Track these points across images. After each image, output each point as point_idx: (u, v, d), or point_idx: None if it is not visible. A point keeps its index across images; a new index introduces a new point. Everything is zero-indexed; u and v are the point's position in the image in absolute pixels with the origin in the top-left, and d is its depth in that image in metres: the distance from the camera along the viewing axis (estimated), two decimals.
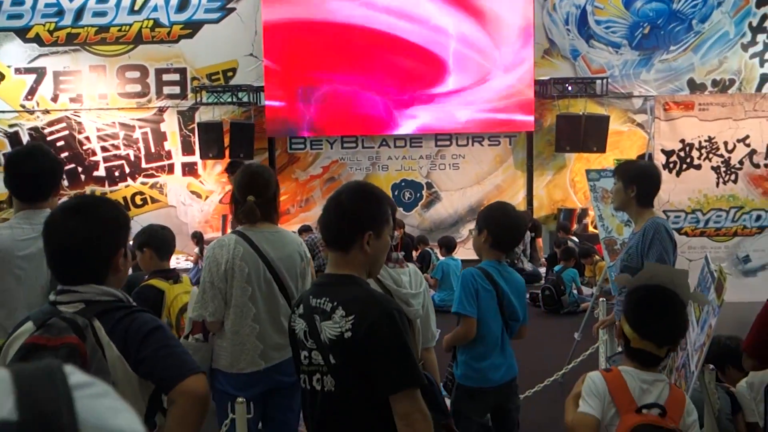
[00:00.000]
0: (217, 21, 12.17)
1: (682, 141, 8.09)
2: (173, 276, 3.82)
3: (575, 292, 8.49)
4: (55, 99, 12.36)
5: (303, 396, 2.18)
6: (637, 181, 3.74)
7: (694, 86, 11.53)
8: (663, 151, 7.91)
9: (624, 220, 5.73)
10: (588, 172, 6.16)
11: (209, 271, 2.93)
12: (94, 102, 12.32)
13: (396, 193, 12.14)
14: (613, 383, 2.29)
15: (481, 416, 3.29)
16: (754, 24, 11.45)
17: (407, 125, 11.73)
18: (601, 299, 4.97)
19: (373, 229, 2.08)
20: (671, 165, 8.41)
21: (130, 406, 0.69)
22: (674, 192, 8.19)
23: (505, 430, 3.42)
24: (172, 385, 1.80)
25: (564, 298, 8.33)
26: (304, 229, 10.03)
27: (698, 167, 7.54)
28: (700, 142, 7.49)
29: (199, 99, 11.96)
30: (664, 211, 8.35)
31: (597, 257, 9.02)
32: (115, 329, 1.83)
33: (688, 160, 8.18)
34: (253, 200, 2.95)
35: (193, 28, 12.19)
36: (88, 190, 12.12)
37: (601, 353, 4.97)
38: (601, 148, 11.08)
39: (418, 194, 12.16)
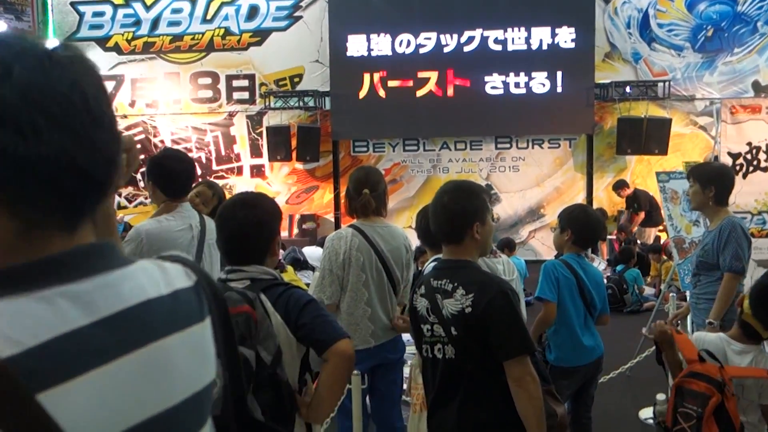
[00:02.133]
0: (284, 29, 12.66)
1: (749, 144, 8.11)
2: (279, 266, 4.21)
3: (637, 291, 8.64)
4: (132, 104, 13.05)
5: (424, 364, 2.54)
6: (715, 181, 3.97)
7: (759, 89, 11.48)
8: (729, 153, 7.98)
9: (693, 219, 5.90)
10: (658, 174, 6.35)
11: (329, 260, 3.32)
12: (168, 107, 12.97)
13: None
14: (685, 345, 2.68)
15: (572, 390, 3.62)
16: None
17: (468, 126, 12.01)
18: (671, 294, 5.17)
19: (478, 220, 2.45)
20: (737, 167, 8.44)
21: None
22: (740, 194, 8.22)
23: (584, 403, 3.76)
24: (326, 347, 2.13)
25: (627, 297, 8.48)
26: None
27: (765, 169, 7.59)
28: (767, 145, 7.52)
29: (267, 104, 12.47)
30: None
31: (664, 257, 9.14)
32: (278, 301, 2.19)
33: (755, 163, 8.20)
34: (369, 193, 3.32)
35: (261, 35, 12.72)
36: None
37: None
38: (663, 151, 11.16)
39: None
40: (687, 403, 2.44)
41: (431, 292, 2.44)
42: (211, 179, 10.01)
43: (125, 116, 13.02)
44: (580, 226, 3.73)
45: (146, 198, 13.03)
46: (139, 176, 12.91)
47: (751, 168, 8.09)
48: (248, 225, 2.26)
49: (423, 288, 2.50)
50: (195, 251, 3.35)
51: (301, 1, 12.59)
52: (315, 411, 2.19)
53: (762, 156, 7.69)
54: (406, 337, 3.98)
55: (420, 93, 11.94)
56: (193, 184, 3.85)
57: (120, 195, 13.09)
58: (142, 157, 12.82)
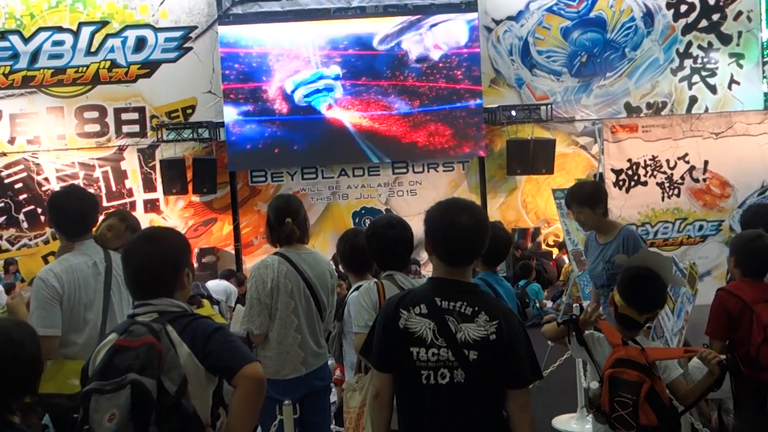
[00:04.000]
0: (174, 60, 12.44)
1: (629, 160, 8.81)
2: (195, 302, 4.13)
3: (538, 305, 9.05)
4: (12, 141, 12.36)
5: (414, 391, 2.34)
6: (599, 197, 4.30)
7: (631, 109, 12.42)
8: (612, 170, 8.61)
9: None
10: (554, 191, 6.74)
11: (256, 289, 3.31)
12: (52, 143, 12.38)
13: (357, 220, 12.56)
14: (609, 330, 2.90)
15: None
16: (681, 50, 12.46)
17: (365, 154, 12.22)
18: (575, 305, 5.47)
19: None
20: (621, 183, 9.10)
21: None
22: (625, 207, 8.88)
23: None
24: (235, 372, 2.11)
25: (528, 311, 8.87)
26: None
27: (645, 184, 8.27)
28: (645, 161, 8.19)
29: (159, 136, 12.15)
30: None
31: (565, 258, 9.59)
32: (184, 330, 2.17)
33: (636, 178, 8.89)
34: (291, 222, 3.35)
35: (150, 67, 12.43)
36: (48, 231, 12.09)
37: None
38: (549, 170, 11.80)
39: None
40: (622, 392, 2.62)
41: (438, 313, 2.32)
42: (124, 211, 9.67)
43: (4, 154, 12.33)
44: (491, 244, 3.85)
45: (30, 240, 12.34)
46: (22, 216, 12.27)
47: (632, 183, 8.76)
48: (153, 259, 2.25)
49: (423, 307, 2.35)
50: (102, 287, 3.24)
51: (190, 33, 12.42)
52: None
53: (641, 171, 8.37)
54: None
55: (316, 121, 12.03)
56: (100, 219, 3.71)
57: (1, 238, 12.33)
58: (24, 196, 12.20)
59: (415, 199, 12.57)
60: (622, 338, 2.81)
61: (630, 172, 9.00)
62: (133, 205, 12.47)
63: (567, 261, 9.57)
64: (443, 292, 2.37)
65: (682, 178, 8.27)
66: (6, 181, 12.31)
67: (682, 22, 12.44)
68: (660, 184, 8.24)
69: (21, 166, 12.35)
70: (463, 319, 2.31)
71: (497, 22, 12.53)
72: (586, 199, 4.25)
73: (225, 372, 2.15)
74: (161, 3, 12.35)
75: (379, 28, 12.10)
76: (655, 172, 8.11)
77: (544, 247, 12.42)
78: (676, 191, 8.30)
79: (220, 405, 2.25)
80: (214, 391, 2.22)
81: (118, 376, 1.97)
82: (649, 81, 12.47)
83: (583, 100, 12.56)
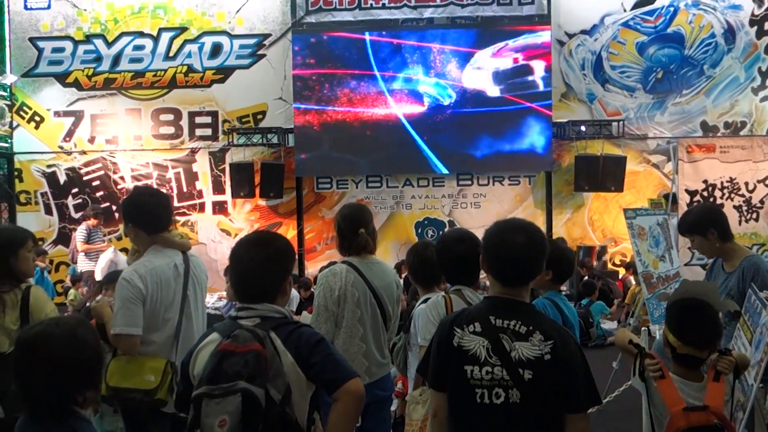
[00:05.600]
0: (248, 66, 12.74)
1: (705, 181, 8.51)
2: None
3: (603, 326, 8.82)
4: (92, 140, 12.88)
5: (468, 409, 2.32)
6: (712, 221, 3.93)
7: (707, 128, 12.00)
8: (687, 191, 8.33)
9: (659, 255, 6.11)
10: (625, 210, 6.56)
11: (323, 296, 3.34)
12: (129, 143, 12.84)
13: (419, 230, 12.56)
14: (669, 395, 2.68)
15: None
16: (764, 69, 11.99)
17: (430, 164, 12.21)
18: (643, 328, 5.31)
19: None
20: (694, 204, 8.84)
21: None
22: None
23: None
24: (337, 386, 2.16)
25: (592, 331, 8.66)
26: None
27: (721, 206, 7.98)
28: (722, 183, 7.91)
29: (230, 140, 12.46)
30: (689, 248, 8.67)
31: (632, 278, 9.31)
32: (288, 339, 2.21)
33: (711, 200, 8.58)
34: (365, 233, 3.38)
35: (224, 73, 12.76)
36: (121, 228, 12.51)
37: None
38: (619, 188, 11.52)
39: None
40: None
41: (493, 331, 2.31)
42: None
43: (84, 152, 12.84)
44: (557, 263, 3.64)
45: (104, 235, 12.78)
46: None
47: None
48: (260, 264, 2.28)
49: (477, 325, 2.34)
50: (181, 288, 3.35)
51: (264, 40, 12.70)
52: None
53: (717, 193, 8.08)
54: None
55: (380, 124, 12.09)
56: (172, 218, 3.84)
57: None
58: (100, 193, 12.66)
59: (478, 211, 12.49)
60: (685, 401, 2.62)
61: (705, 193, 8.68)
62: (202, 206, 12.81)
63: (634, 282, 9.32)
64: (498, 310, 2.35)
65: (762, 201, 7.99)
66: (85, 178, 12.83)
67: (766, 39, 11.99)
68: (737, 207, 7.96)
69: (99, 165, 12.86)
70: (517, 337, 2.29)
71: (570, 36, 12.35)
72: (692, 226, 4.00)
73: (328, 385, 2.18)
74: (238, 11, 12.67)
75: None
76: (732, 195, 7.85)
77: (610, 266, 12.13)
78: (754, 215, 8.04)
79: (315, 410, 2.30)
80: (311, 397, 2.26)
81: (226, 381, 2.01)
82: (728, 100, 12.04)
83: (657, 117, 12.23)
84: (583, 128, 12.01)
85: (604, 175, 11.46)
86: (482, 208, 12.50)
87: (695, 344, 2.70)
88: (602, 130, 11.95)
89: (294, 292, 9.36)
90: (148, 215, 3.39)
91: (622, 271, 11.77)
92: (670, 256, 6.31)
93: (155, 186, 12.58)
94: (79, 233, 10.49)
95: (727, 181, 8.10)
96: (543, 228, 12.21)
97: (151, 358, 3.19)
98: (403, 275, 8.48)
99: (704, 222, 3.98)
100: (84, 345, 2.10)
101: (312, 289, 8.98)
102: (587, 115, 12.34)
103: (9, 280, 3.37)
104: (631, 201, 11.69)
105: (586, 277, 11.05)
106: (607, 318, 9.26)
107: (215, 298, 11.33)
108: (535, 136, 11.97)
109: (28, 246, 3.51)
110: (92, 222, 10.53)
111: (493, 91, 12.00)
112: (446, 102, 12.09)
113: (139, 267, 3.27)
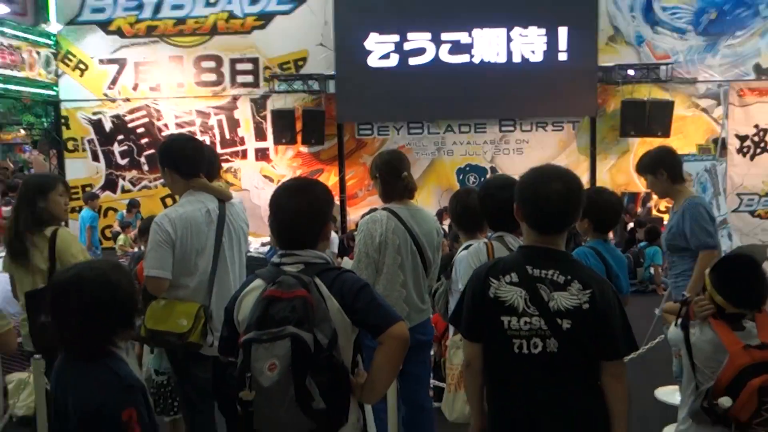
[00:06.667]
0: (288, 12, 12.65)
1: (756, 126, 8.20)
2: None
3: (652, 271, 8.67)
4: (135, 88, 13.04)
5: (505, 360, 2.32)
6: (661, 163, 4.10)
7: (761, 71, 11.54)
8: (737, 135, 8.05)
9: (707, 200, 5.99)
10: None
11: (364, 243, 3.39)
12: (172, 91, 12.97)
13: (461, 177, 12.51)
14: (726, 335, 2.65)
15: None
16: None
17: (472, 109, 12.06)
18: None
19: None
20: (745, 149, 8.52)
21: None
22: (748, 176, 8.30)
23: None
24: (382, 330, 2.19)
25: (639, 270, 8.51)
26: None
27: None
28: None
29: (271, 87, 12.48)
30: (738, 194, 8.44)
31: None
32: (333, 284, 2.24)
33: (762, 145, 8.27)
34: (407, 175, 3.40)
35: (265, 19, 12.70)
36: None
37: None
38: (666, 133, 11.23)
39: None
40: None
41: (530, 281, 2.29)
42: None
43: (128, 100, 13.03)
44: (603, 212, 3.59)
45: (150, 182, 13.07)
46: (143, 159, 12.99)
47: (758, 150, 8.14)
48: (299, 212, 2.30)
49: (514, 276, 2.31)
50: (214, 235, 3.36)
51: None
52: (369, 392, 2.25)
53: None
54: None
55: (419, 61, 11.91)
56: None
57: (123, 179, 13.15)
58: (145, 140, 12.89)
59: (521, 158, 12.34)
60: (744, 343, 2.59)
61: (756, 138, 8.33)
62: (244, 153, 12.94)
63: None
64: (535, 260, 2.32)
65: None
66: (129, 125, 13.05)
67: None
68: None
69: (143, 112, 13.04)
70: (555, 287, 2.27)
71: None
72: (646, 166, 4.16)
73: (373, 329, 2.21)
74: None
75: None
76: None
77: (654, 213, 11.94)
78: None
79: (358, 353, 2.34)
80: (354, 341, 2.30)
81: (274, 326, 2.06)
82: None
83: (708, 60, 11.79)
84: (630, 72, 11.68)
85: (650, 120, 11.20)
86: (525, 154, 12.35)
87: (745, 306, 2.66)
88: (650, 74, 11.61)
89: (333, 235, 9.47)
90: (182, 159, 3.39)
91: (666, 218, 11.56)
92: (717, 203, 6.19)
93: (198, 133, 12.77)
94: None
95: None
96: (587, 174, 12.08)
97: (185, 302, 3.24)
98: (445, 222, 8.51)
99: (655, 162, 4.13)
100: (117, 287, 2.15)
101: None
102: (634, 58, 11.97)
103: (39, 222, 3.47)
104: (678, 146, 11.27)
105: (631, 225, 10.92)
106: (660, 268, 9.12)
107: (259, 243, 11.56)
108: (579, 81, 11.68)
109: (59, 189, 3.59)
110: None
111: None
112: (492, 51, 11.84)
113: (170, 212, 3.32)
